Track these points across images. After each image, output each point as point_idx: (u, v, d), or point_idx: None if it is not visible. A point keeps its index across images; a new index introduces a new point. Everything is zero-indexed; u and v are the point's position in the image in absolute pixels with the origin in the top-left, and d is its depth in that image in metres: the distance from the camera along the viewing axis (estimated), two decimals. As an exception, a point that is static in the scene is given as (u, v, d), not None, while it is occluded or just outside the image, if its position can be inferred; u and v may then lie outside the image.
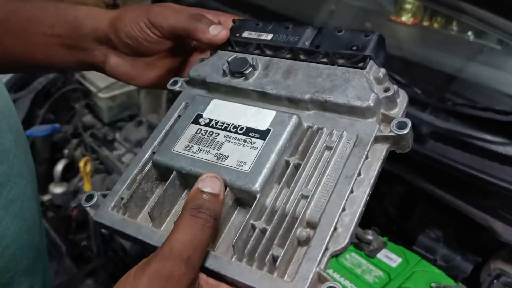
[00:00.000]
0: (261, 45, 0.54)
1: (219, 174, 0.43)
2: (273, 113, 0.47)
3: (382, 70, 0.47)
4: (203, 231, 0.37)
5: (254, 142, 0.45)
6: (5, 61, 0.62)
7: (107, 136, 1.76)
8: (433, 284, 0.89)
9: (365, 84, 0.46)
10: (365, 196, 0.42)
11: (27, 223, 0.50)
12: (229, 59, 0.52)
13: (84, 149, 1.75)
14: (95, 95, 1.80)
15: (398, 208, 1.20)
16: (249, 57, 0.52)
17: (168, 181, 0.46)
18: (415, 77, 1.19)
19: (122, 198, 0.48)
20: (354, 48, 0.48)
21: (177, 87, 0.57)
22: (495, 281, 0.93)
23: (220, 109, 0.50)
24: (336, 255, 0.40)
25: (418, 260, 0.96)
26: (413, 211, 1.18)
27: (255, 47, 0.54)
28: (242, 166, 0.44)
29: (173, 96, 0.57)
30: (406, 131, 0.43)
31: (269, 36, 0.54)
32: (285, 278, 0.39)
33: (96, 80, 1.82)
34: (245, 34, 0.56)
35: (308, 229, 0.41)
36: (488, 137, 0.99)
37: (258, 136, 0.46)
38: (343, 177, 0.42)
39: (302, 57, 0.51)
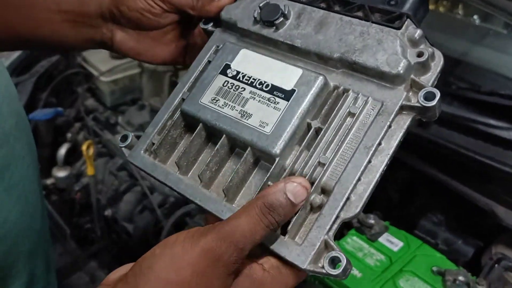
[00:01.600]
0: None
1: (241, 133, 0.44)
2: (300, 71, 0.46)
3: (419, 31, 0.44)
4: (264, 231, 0.37)
5: (278, 103, 0.45)
6: (8, 37, 0.60)
7: (109, 120, 1.76)
8: (434, 268, 0.90)
9: (397, 48, 0.43)
10: (383, 166, 0.42)
11: (29, 206, 0.50)
12: (261, 4, 0.50)
13: (87, 133, 1.75)
14: (97, 79, 1.79)
15: (400, 192, 1.20)
16: (282, 4, 0.49)
17: (195, 132, 0.47)
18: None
19: (153, 143, 0.49)
20: (393, 2, 0.45)
21: (209, 27, 0.56)
22: (496, 265, 0.93)
23: (248, 61, 0.49)
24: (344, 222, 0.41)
25: (419, 244, 0.96)
26: (415, 195, 1.18)
27: None
28: (264, 127, 0.44)
29: (207, 35, 0.57)
30: (433, 103, 0.41)
31: None
32: (296, 240, 0.40)
33: (98, 64, 1.81)
34: None
35: (322, 196, 0.42)
36: (492, 121, 0.98)
37: (283, 96, 0.45)
38: (362, 147, 0.42)
39: (336, 8, 0.48)
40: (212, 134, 0.48)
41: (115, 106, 1.83)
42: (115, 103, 1.82)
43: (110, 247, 1.53)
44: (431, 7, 1.47)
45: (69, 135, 1.77)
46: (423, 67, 0.44)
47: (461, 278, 0.86)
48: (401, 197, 1.19)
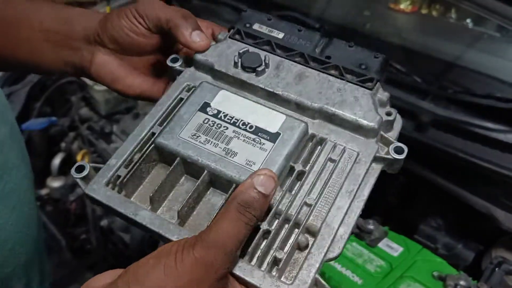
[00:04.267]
0: (272, 42, 0.53)
1: (227, 169, 0.44)
2: (283, 117, 0.48)
3: (386, 94, 0.49)
4: (246, 228, 0.38)
5: (263, 143, 0.46)
6: None
7: (104, 129, 1.75)
8: (434, 273, 0.89)
9: (371, 105, 0.48)
10: (359, 210, 0.44)
11: (25, 216, 0.49)
12: (240, 51, 0.52)
13: (82, 142, 1.74)
14: (91, 88, 1.78)
15: (399, 197, 1.19)
16: (262, 54, 0.52)
17: (172, 167, 0.46)
18: (415, 65, 1.18)
19: (119, 176, 0.47)
20: (363, 67, 0.50)
21: (177, 66, 0.55)
22: (496, 269, 0.93)
23: (228, 102, 0.49)
24: None
25: (419, 249, 0.96)
26: (414, 200, 1.18)
27: (266, 43, 0.54)
28: (251, 166, 0.45)
29: (172, 74, 0.56)
30: (403, 156, 0.46)
31: (280, 35, 0.54)
32: (282, 279, 0.41)
33: (92, 73, 1.80)
34: (256, 26, 0.55)
35: (307, 235, 0.43)
36: (489, 124, 0.98)
37: (268, 138, 0.46)
38: (344, 191, 0.44)
39: (312, 64, 0.52)
40: (189, 170, 0.47)
41: (109, 115, 1.81)
42: (109, 112, 1.81)
43: (107, 258, 1.51)
44: (424, 11, 1.48)
45: (63, 144, 1.76)
46: (390, 124, 0.49)
47: (462, 282, 0.86)
48: (400, 202, 1.19)
